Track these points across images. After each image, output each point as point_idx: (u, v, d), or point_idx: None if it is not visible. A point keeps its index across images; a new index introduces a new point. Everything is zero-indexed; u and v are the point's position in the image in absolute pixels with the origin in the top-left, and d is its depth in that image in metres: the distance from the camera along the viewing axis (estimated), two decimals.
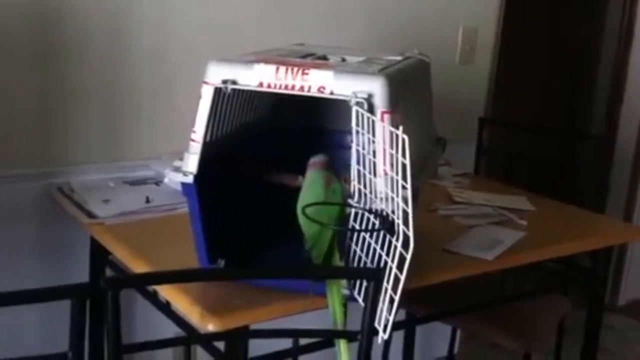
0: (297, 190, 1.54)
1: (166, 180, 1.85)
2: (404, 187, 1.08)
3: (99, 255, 1.90)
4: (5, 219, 1.89)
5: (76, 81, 1.93)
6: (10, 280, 1.86)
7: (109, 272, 1.91)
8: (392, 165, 1.17)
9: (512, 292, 2.06)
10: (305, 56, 1.52)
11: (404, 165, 1.05)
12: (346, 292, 1.31)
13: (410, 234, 1.06)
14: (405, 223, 1.08)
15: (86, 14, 1.91)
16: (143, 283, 1.08)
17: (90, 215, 1.75)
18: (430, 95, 1.70)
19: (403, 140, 1.04)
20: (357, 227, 1.27)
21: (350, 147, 1.67)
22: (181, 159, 1.37)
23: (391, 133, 1.17)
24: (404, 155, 1.05)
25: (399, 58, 1.55)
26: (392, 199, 1.15)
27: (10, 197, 1.89)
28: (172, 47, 2.05)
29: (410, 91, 1.45)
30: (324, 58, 1.56)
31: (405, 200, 1.07)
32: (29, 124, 1.91)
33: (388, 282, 1.11)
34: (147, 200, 1.82)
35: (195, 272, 1.15)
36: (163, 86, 2.06)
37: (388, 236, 1.18)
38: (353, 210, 1.28)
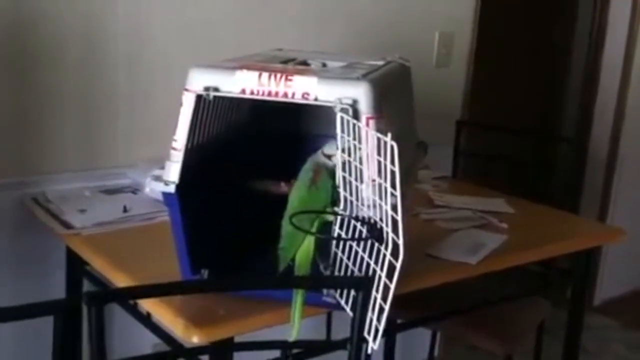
0: (280, 197, 1.53)
1: (147, 190, 1.81)
2: (392, 195, 1.06)
3: (76, 266, 1.87)
4: None
5: (50, 87, 1.89)
6: None
7: (86, 283, 1.88)
8: (379, 172, 1.16)
9: (492, 294, 2.06)
10: (285, 61, 1.50)
11: (392, 173, 1.04)
12: (331, 300, 1.30)
13: (400, 242, 1.04)
14: (395, 231, 1.07)
15: (60, 19, 1.87)
16: (127, 297, 1.05)
17: (67, 225, 1.71)
18: (412, 99, 1.69)
19: (392, 147, 1.02)
20: (344, 234, 1.26)
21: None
22: (162, 168, 1.34)
23: (378, 139, 1.15)
24: (392, 163, 1.03)
25: (380, 63, 1.54)
26: (380, 206, 1.14)
27: None
28: (148, 52, 2.01)
29: (393, 96, 1.43)
30: (305, 63, 1.54)
31: (394, 208, 1.05)
32: (2, 132, 1.86)
33: (377, 291, 1.10)
34: (125, 210, 1.78)
35: (182, 285, 1.12)
36: (139, 92, 2.02)
37: (376, 244, 1.16)
38: (339, 218, 1.27)
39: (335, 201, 1.29)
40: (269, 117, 1.68)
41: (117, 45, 1.96)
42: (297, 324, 1.23)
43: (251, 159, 1.65)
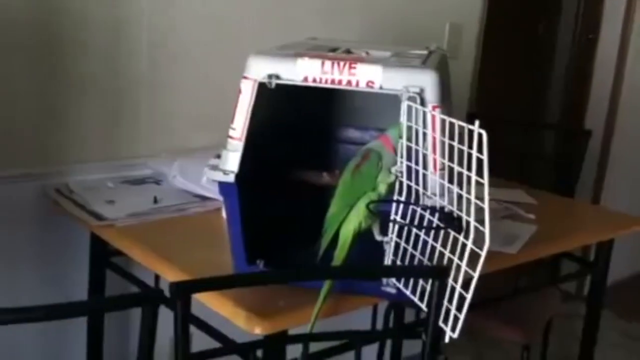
0: (323, 187, 1.51)
1: (204, 178, 1.71)
2: (478, 183, 1.06)
3: (100, 257, 1.83)
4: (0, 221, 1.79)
5: (73, 76, 1.84)
6: (8, 285, 1.79)
7: (110, 275, 1.84)
8: (452, 160, 1.15)
9: (508, 286, 2.06)
10: (333, 50, 1.48)
11: (480, 161, 1.03)
12: (391, 290, 1.29)
13: (487, 231, 1.04)
14: (479, 220, 1.06)
15: (85, 8, 1.81)
16: (216, 287, 1.03)
17: (97, 216, 1.66)
18: (451, 89, 1.68)
19: (480, 135, 1.02)
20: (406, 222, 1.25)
21: (352, 142, 1.65)
22: (218, 157, 1.31)
23: (451, 126, 1.15)
24: (480, 151, 1.02)
25: (425, 52, 1.53)
26: (453, 194, 1.13)
27: (4, 198, 1.78)
28: (172, 41, 1.97)
29: (445, 86, 1.43)
30: (349, 52, 1.52)
31: (481, 197, 1.05)
32: (24, 122, 1.80)
33: (456, 281, 1.09)
34: (155, 201, 1.75)
35: (271, 274, 1.11)
36: (162, 81, 1.98)
37: (443, 232, 1.16)
38: (401, 206, 1.26)
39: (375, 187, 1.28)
40: (295, 105, 1.63)
41: (140, 35, 1.91)
42: (315, 313, 1.23)
43: (287, 147, 1.62)
